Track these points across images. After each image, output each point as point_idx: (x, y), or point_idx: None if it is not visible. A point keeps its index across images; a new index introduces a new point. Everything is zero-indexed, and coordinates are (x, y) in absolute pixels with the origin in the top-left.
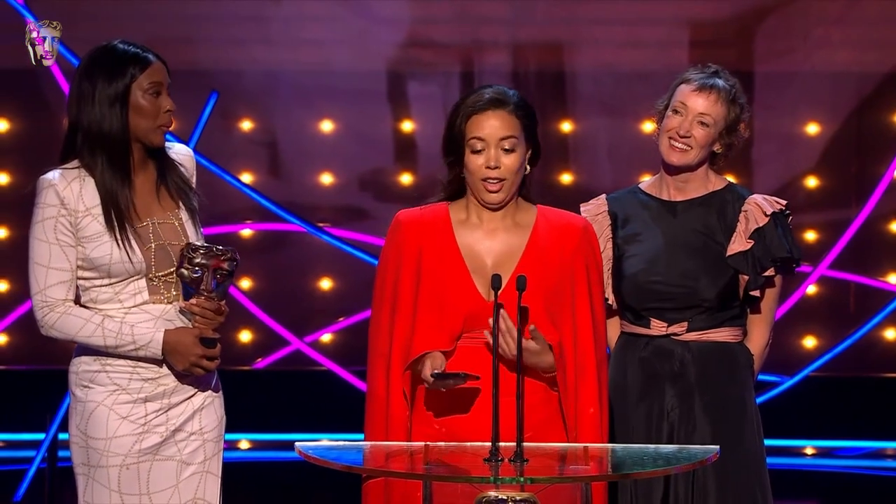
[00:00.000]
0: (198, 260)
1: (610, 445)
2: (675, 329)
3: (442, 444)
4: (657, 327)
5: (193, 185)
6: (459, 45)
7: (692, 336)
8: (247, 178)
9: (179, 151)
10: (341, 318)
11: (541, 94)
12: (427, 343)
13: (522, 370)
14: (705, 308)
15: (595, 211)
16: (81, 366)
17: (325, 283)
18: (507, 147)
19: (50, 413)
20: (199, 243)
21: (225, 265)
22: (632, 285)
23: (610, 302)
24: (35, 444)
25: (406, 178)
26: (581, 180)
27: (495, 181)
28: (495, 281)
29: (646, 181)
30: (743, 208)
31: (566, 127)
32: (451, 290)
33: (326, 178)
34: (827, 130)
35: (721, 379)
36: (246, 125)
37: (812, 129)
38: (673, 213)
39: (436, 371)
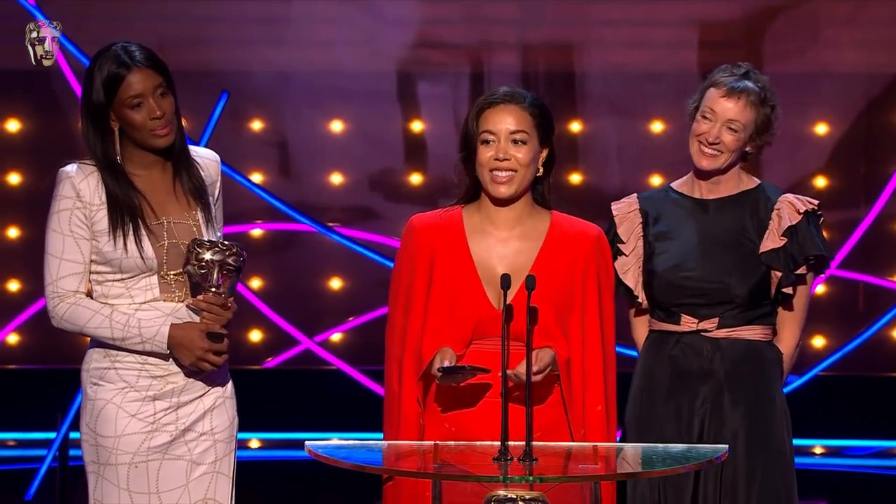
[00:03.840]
0: (204, 255)
1: (619, 445)
2: (705, 325)
3: (451, 443)
4: (687, 323)
5: (216, 191)
6: (469, 45)
7: (722, 333)
8: (257, 178)
9: (205, 156)
10: (351, 318)
11: (550, 94)
12: (436, 349)
13: (531, 372)
14: (737, 305)
15: (626, 209)
16: (92, 363)
17: (335, 283)
18: (517, 139)
19: (61, 412)
20: (205, 239)
21: (231, 260)
22: (663, 281)
23: (640, 300)
24: (46, 443)
25: (416, 178)
26: (590, 180)
27: (504, 173)
28: (504, 281)
29: (677, 181)
30: (776, 206)
31: (575, 127)
32: (461, 297)
33: (336, 178)
34: (836, 131)
35: (751, 376)
36: (256, 125)
37: (821, 129)
38: (705, 211)
39: (442, 365)
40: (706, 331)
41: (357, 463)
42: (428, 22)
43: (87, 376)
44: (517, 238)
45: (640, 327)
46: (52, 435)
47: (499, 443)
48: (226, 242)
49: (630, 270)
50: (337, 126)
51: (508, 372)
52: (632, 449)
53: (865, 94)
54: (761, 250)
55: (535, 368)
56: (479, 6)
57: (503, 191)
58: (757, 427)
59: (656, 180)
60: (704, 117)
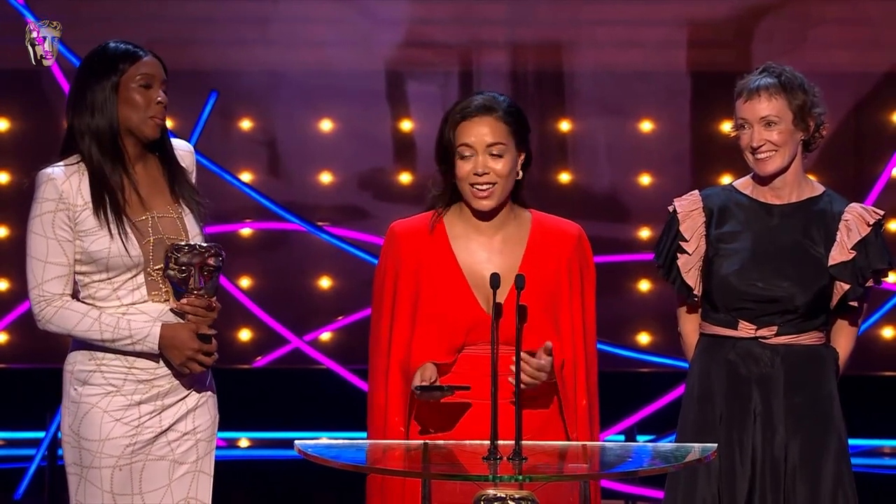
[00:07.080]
0: (183, 259)
1: (609, 444)
2: (763, 332)
3: (441, 442)
4: (745, 329)
5: (192, 181)
6: (459, 45)
7: (780, 340)
8: (246, 177)
9: (180, 147)
10: (340, 317)
11: (539, 93)
12: (426, 357)
13: (520, 373)
14: (797, 314)
15: (690, 207)
16: (76, 364)
17: (325, 282)
18: (494, 153)
19: (50, 411)
20: (182, 243)
21: (211, 261)
22: (725, 285)
23: (697, 297)
24: (35, 443)
25: (405, 178)
26: (579, 180)
27: (484, 187)
28: (494, 280)
29: (739, 180)
30: (843, 217)
31: (564, 126)
32: (451, 304)
33: (326, 178)
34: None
35: (810, 380)
36: (245, 125)
37: None
38: (770, 216)
39: (419, 384)
40: (764, 338)
41: (346, 462)
42: (418, 21)
43: (70, 378)
44: (501, 241)
45: (690, 323)
46: (41, 434)
47: (488, 442)
48: (203, 244)
49: (692, 270)
50: (326, 125)
51: (510, 380)
52: (619, 447)
53: (855, 94)
54: (830, 263)
55: (535, 376)
56: (468, 6)
57: (485, 204)
58: (815, 430)
59: (645, 179)
60: (742, 128)
